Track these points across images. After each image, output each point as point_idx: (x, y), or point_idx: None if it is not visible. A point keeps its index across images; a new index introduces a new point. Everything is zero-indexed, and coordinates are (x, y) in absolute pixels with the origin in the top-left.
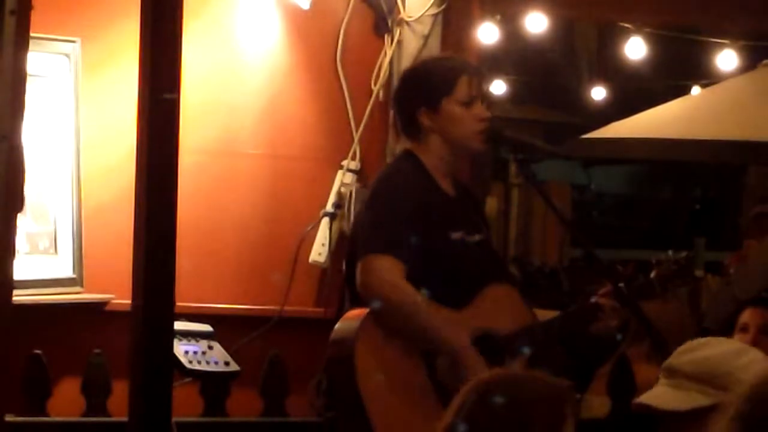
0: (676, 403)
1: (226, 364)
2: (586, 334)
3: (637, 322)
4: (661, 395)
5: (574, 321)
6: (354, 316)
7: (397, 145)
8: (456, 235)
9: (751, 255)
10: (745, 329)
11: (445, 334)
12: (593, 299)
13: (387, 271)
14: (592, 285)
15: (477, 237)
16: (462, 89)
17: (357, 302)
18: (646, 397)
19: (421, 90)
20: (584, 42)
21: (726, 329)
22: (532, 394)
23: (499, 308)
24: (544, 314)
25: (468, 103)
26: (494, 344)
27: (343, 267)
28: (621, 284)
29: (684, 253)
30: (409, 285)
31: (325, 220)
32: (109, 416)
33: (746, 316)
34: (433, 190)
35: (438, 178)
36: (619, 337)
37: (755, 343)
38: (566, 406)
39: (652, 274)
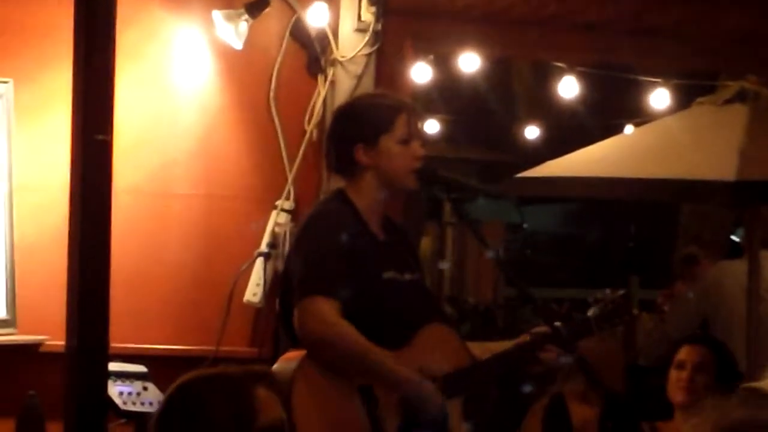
0: None
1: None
2: (522, 374)
3: (573, 360)
4: None
5: (512, 361)
6: (291, 357)
7: (331, 185)
8: (387, 275)
9: (682, 296)
10: (681, 366)
11: (394, 369)
12: (530, 339)
13: (325, 312)
14: (526, 323)
15: (408, 276)
16: (401, 127)
17: (294, 342)
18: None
19: (359, 126)
20: (520, 81)
21: (660, 366)
22: (209, 389)
23: (436, 348)
24: (483, 347)
25: (405, 141)
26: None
27: (277, 306)
28: (558, 324)
29: (621, 292)
30: (348, 324)
31: (260, 260)
32: None
33: (683, 353)
34: (362, 231)
35: (368, 219)
36: (553, 376)
37: (691, 380)
38: (253, 389)
39: (590, 313)
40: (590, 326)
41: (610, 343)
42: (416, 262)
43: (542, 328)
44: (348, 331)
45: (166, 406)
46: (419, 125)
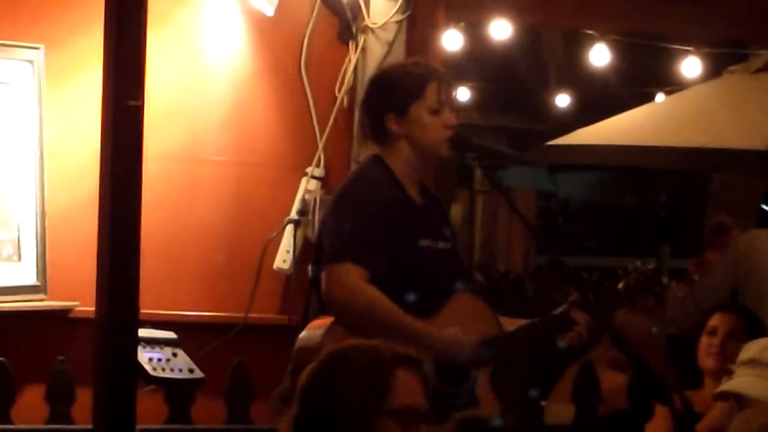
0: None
1: (191, 371)
2: (553, 344)
3: (604, 330)
4: (752, 385)
5: (543, 331)
6: (319, 324)
7: (362, 152)
8: (423, 243)
9: (713, 265)
10: (713, 333)
11: (420, 327)
12: (562, 309)
13: (350, 277)
14: (557, 292)
15: (442, 245)
16: (431, 96)
17: (324, 310)
18: (736, 387)
19: (390, 95)
20: (550, 49)
21: (692, 335)
22: (352, 361)
23: (466, 317)
24: (510, 323)
25: (436, 110)
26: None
27: (309, 273)
28: (590, 294)
29: (651, 265)
30: (373, 288)
31: (290, 227)
32: (74, 423)
33: (716, 319)
34: (401, 196)
35: (406, 185)
36: (585, 346)
37: (723, 346)
38: (394, 369)
39: (620, 285)
40: (620, 298)
41: (642, 312)
42: (450, 230)
43: (574, 298)
44: (376, 297)
45: (315, 369)
46: (451, 93)
